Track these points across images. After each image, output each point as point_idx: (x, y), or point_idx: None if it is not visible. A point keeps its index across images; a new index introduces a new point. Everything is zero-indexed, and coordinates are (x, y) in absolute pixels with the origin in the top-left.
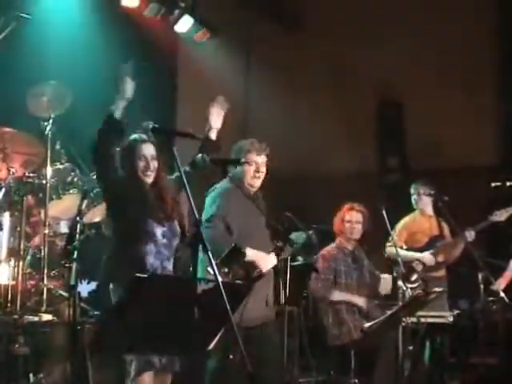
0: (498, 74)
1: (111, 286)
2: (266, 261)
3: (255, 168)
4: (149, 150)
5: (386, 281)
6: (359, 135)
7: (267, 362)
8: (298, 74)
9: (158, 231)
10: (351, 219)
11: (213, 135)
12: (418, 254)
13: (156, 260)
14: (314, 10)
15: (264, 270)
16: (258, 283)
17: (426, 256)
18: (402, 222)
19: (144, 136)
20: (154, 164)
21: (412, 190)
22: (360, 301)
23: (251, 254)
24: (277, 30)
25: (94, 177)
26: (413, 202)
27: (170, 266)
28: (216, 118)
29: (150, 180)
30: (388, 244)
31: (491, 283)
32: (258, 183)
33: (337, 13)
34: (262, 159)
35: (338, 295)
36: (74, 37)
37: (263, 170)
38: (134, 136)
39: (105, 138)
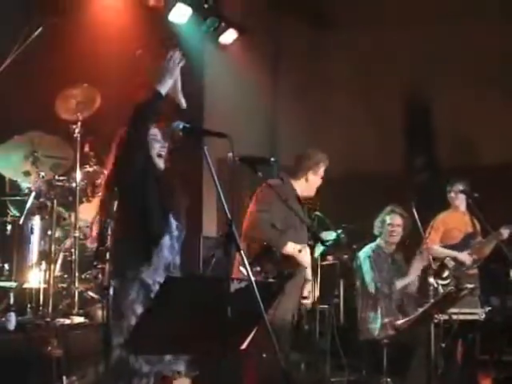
0: None
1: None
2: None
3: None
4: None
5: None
6: (387, 135)
7: None
8: (325, 74)
9: (174, 222)
10: (392, 222)
11: (182, 102)
12: (455, 253)
13: (169, 254)
14: (343, 10)
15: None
16: None
17: (464, 256)
18: (439, 217)
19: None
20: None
21: (448, 188)
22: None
23: (292, 247)
24: (305, 31)
25: None
26: (449, 199)
27: (178, 261)
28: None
29: (162, 165)
30: (424, 241)
31: None
32: None
33: (364, 13)
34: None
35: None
36: (103, 38)
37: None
38: None
39: (146, 113)
